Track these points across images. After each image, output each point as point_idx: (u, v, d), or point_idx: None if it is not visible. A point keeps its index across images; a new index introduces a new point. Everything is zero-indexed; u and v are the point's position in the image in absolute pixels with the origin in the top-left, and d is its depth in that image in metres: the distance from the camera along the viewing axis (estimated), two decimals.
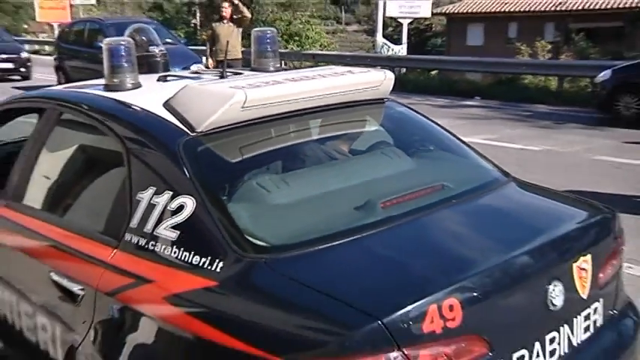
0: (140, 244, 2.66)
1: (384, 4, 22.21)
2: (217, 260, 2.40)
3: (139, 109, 3.09)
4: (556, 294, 2.50)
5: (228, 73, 3.76)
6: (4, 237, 3.49)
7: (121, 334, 2.61)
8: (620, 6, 35.12)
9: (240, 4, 12.81)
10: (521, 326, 2.45)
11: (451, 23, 45.18)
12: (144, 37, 4.18)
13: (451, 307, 2.12)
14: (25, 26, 47.07)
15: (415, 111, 3.92)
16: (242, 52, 12.82)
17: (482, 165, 3.61)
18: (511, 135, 11.32)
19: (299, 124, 3.39)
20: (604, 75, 13.08)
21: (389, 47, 22.83)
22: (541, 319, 2.51)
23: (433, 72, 20.23)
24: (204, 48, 19.34)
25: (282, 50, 24.87)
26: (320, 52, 26.05)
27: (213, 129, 2.89)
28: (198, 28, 33.35)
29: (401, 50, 22.76)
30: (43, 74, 19.89)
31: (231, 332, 2.23)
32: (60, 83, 16.96)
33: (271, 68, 3.89)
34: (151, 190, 2.71)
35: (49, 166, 3.49)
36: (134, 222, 2.70)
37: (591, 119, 12.77)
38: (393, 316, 2.05)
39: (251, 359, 2.14)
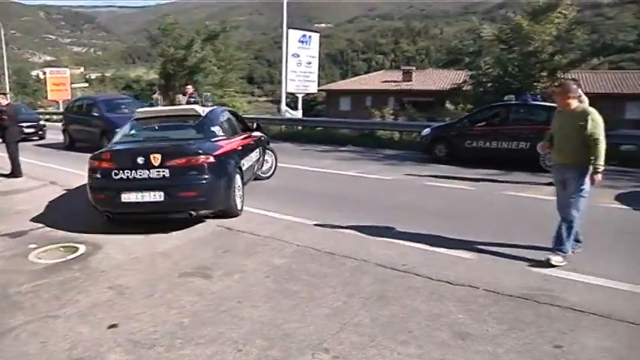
0: None
1: (286, 84, 22.50)
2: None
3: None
4: (139, 163, 6.27)
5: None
6: (234, 144, 7.69)
7: None
8: (431, 89, 38.03)
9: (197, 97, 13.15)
10: (132, 167, 6.28)
11: (329, 96, 46.18)
12: (205, 99, 9.28)
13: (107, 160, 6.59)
14: (39, 102, 45.28)
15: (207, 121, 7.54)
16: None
17: (198, 136, 7.21)
18: (372, 170, 11.60)
19: (155, 120, 7.83)
20: (426, 131, 13.77)
21: (290, 112, 23.12)
22: (143, 172, 6.30)
23: (318, 128, 20.42)
24: None
25: None
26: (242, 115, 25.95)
27: (136, 118, 7.78)
28: (158, 100, 32.47)
29: (298, 114, 23.08)
30: (54, 135, 19.13)
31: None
32: (65, 142, 16.98)
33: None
34: None
35: None
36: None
37: (419, 159, 13.26)
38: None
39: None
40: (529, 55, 16.89)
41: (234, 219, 7.04)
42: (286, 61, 22.17)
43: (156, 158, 6.26)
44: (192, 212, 6.50)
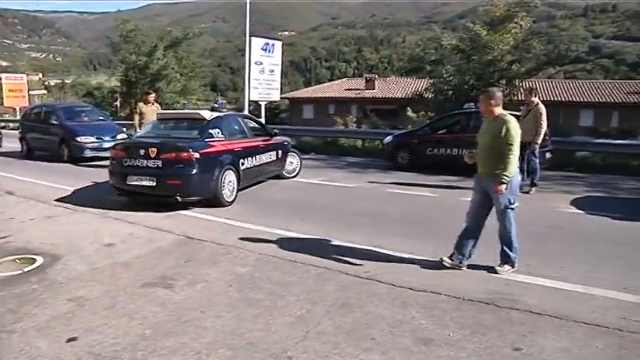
0: None
1: (249, 92, 22.38)
2: None
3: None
4: (141, 154, 7.93)
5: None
6: (234, 145, 8.73)
7: None
8: (393, 97, 38.77)
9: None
10: (136, 157, 8.00)
11: (292, 104, 46.30)
12: (218, 106, 9.47)
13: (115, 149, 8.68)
14: None
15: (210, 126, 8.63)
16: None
17: (196, 136, 8.37)
18: (335, 177, 11.67)
19: (171, 121, 9.37)
20: (388, 138, 13.90)
21: None
22: (143, 161, 7.90)
23: None
24: (125, 122, 19.03)
25: None
26: None
27: (158, 118, 9.77)
28: (119, 108, 31.76)
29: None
30: (10, 143, 18.45)
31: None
32: (23, 150, 16.36)
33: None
34: None
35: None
36: None
37: (382, 166, 13.38)
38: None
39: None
40: (488, 63, 17.28)
41: (196, 228, 6.98)
42: (249, 69, 22.04)
43: (153, 151, 7.87)
44: (178, 197, 7.83)
